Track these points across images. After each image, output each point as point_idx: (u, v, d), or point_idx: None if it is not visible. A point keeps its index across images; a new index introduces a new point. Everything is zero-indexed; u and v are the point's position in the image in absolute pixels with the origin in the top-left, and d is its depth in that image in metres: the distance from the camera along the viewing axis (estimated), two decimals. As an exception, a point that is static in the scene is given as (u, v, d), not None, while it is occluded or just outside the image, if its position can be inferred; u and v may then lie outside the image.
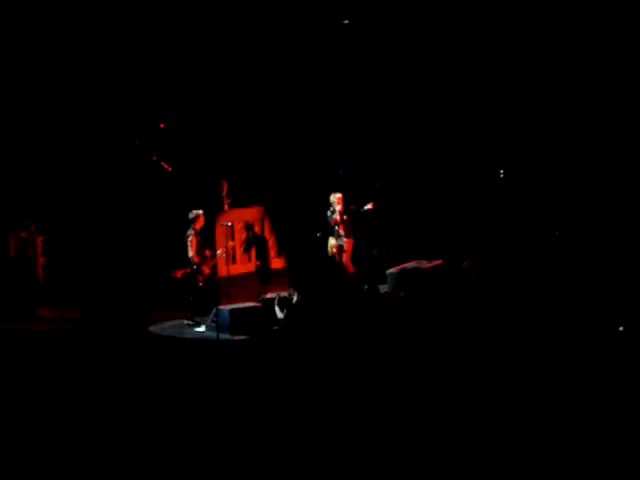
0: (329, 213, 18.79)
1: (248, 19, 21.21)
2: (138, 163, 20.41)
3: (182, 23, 21.17)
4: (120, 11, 20.87)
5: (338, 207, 18.70)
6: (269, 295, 17.17)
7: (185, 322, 17.06)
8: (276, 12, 21.00)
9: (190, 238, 17.13)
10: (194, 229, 17.19)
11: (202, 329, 16.84)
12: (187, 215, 17.27)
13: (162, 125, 20.69)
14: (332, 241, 18.92)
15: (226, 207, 21.39)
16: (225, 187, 21.49)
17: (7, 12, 20.18)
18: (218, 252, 17.87)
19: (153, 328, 16.82)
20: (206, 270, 17.27)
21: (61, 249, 20.61)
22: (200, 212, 17.31)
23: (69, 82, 20.91)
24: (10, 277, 20.26)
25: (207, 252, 17.47)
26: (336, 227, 18.78)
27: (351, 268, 18.97)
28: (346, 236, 18.77)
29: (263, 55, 21.52)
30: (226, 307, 16.65)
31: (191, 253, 17.11)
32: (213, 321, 16.52)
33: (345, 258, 18.86)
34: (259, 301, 17.03)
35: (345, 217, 18.72)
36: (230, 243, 17.06)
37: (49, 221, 20.80)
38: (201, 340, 16.22)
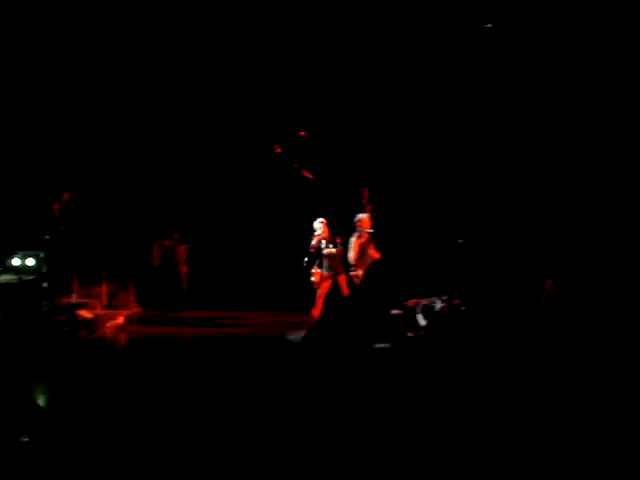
0: (313, 240, 17.41)
1: (393, 26, 21.08)
2: (279, 171, 20.51)
3: (323, 31, 21.18)
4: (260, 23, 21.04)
5: (319, 232, 17.38)
6: (411, 302, 16.96)
7: None
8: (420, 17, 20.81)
9: (353, 240, 17.24)
10: (359, 232, 17.32)
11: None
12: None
13: (303, 133, 20.73)
14: (317, 270, 17.44)
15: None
16: (366, 194, 21.36)
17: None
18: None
19: (291, 336, 16.87)
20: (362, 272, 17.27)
21: (204, 257, 20.90)
22: (363, 216, 17.45)
23: (213, 93, 21.15)
24: (155, 285, 20.63)
25: (375, 254, 17.38)
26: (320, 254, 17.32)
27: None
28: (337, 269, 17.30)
29: (406, 67, 21.34)
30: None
31: (351, 254, 17.23)
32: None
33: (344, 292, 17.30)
34: (401, 308, 16.85)
35: (335, 251, 17.22)
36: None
37: (192, 229, 21.09)
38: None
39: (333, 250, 17.35)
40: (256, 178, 21.23)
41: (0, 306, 17.90)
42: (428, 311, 16.37)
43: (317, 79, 21.41)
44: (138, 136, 21.36)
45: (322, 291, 17.20)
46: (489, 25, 20.22)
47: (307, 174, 20.12)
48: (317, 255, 17.30)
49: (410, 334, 16.09)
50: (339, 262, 17.27)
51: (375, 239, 17.40)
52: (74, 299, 19.83)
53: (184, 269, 21.01)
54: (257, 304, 19.52)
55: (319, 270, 17.28)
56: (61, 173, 20.55)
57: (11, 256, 18.98)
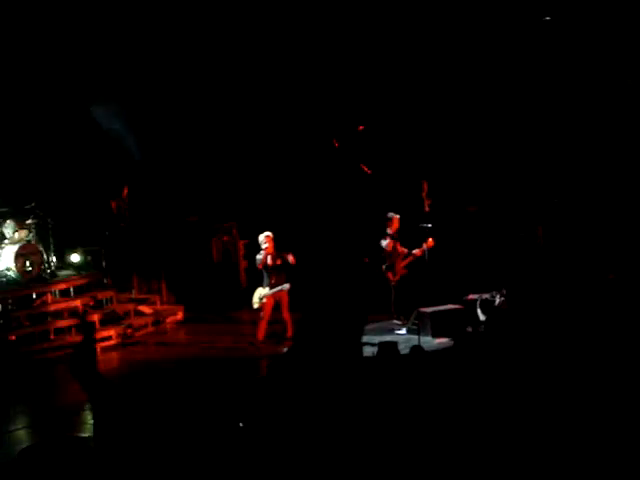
0: (257, 256, 16.56)
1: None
2: (338, 166, 20.44)
3: (378, 24, 21.06)
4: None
5: (265, 246, 16.47)
6: (471, 297, 16.83)
7: (394, 321, 17.08)
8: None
9: (386, 242, 17.22)
10: (389, 230, 17.27)
11: (403, 331, 16.68)
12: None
13: (361, 127, 20.64)
14: (262, 291, 16.46)
15: (427, 208, 21.11)
16: (425, 188, 21.22)
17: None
18: (414, 251, 17.52)
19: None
20: (399, 269, 17.14)
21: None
22: (393, 214, 17.36)
23: (273, 88, 21.14)
24: (214, 280, 20.68)
25: (402, 250, 17.28)
26: (266, 271, 16.43)
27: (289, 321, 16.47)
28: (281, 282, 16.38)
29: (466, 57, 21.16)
30: (427, 309, 16.44)
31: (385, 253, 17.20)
32: (415, 323, 16.35)
33: (284, 311, 16.43)
34: (461, 303, 16.74)
35: (279, 261, 16.36)
36: (426, 245, 16.84)
37: (250, 225, 21.09)
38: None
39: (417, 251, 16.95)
40: (314, 173, 21.18)
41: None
42: (488, 306, 16.26)
43: (375, 72, 21.30)
44: (198, 131, 21.41)
45: (267, 312, 16.35)
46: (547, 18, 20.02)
47: (365, 168, 20.02)
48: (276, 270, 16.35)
49: (470, 329, 15.99)
50: (283, 278, 16.36)
51: (400, 237, 17.26)
52: (134, 295, 19.98)
53: (243, 265, 21.02)
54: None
55: (264, 290, 16.38)
56: (119, 169, 20.68)
57: (70, 253, 19.13)
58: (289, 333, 16.36)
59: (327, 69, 21.22)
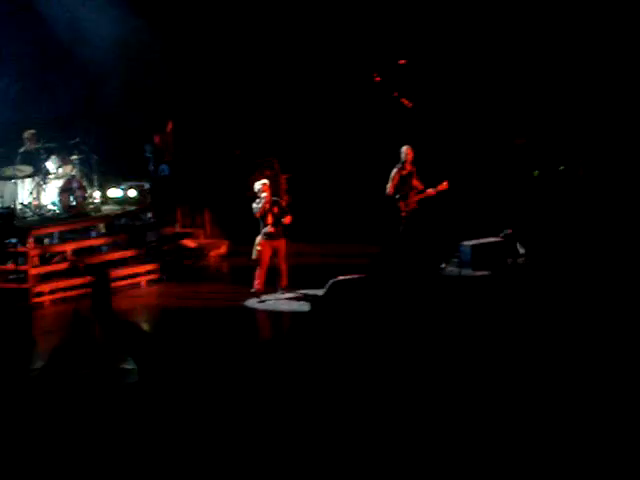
0: (254, 204, 16.23)
1: None
2: (379, 100, 20.41)
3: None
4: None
5: (264, 194, 16.12)
6: (511, 230, 16.88)
7: None
8: None
9: (394, 171, 17.12)
10: (402, 162, 17.16)
11: (443, 265, 16.79)
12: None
13: (402, 61, 20.56)
14: (259, 239, 16.19)
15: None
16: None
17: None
18: (428, 190, 17.39)
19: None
20: (412, 201, 17.11)
21: (305, 187, 20.99)
22: (406, 148, 17.20)
23: (314, 23, 21.14)
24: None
25: (418, 184, 17.19)
26: (263, 220, 16.12)
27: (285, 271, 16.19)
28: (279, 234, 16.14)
29: None
30: (468, 242, 16.52)
31: (388, 185, 17.07)
32: (455, 256, 16.45)
33: (281, 260, 16.16)
34: (501, 236, 16.79)
35: (275, 208, 16.10)
36: (430, 190, 16.90)
37: (293, 159, 21.19)
38: (445, 276, 16.20)
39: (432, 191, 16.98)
40: (356, 107, 21.18)
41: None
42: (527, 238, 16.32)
43: (416, 6, 21.20)
44: (240, 64, 21.45)
45: (265, 261, 16.08)
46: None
47: (406, 102, 19.97)
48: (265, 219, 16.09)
49: (509, 261, 16.07)
50: (280, 226, 16.12)
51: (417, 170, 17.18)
52: (178, 229, 20.19)
53: (285, 199, 21.14)
54: (356, 235, 19.34)
55: (262, 239, 16.10)
56: (164, 103, 20.80)
57: (114, 187, 19.35)
58: (283, 283, 16.10)
59: (368, 3, 21.17)
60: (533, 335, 11.68)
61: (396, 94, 20.00)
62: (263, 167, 21.04)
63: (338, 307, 13.27)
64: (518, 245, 16.35)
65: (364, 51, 20.96)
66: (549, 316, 12.44)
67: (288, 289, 16.19)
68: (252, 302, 16.11)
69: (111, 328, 11.59)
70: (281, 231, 16.09)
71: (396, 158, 17.37)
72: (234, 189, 21.03)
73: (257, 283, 16.09)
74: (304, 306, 15.38)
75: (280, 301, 16.03)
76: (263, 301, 16.09)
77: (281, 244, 16.11)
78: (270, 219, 16.01)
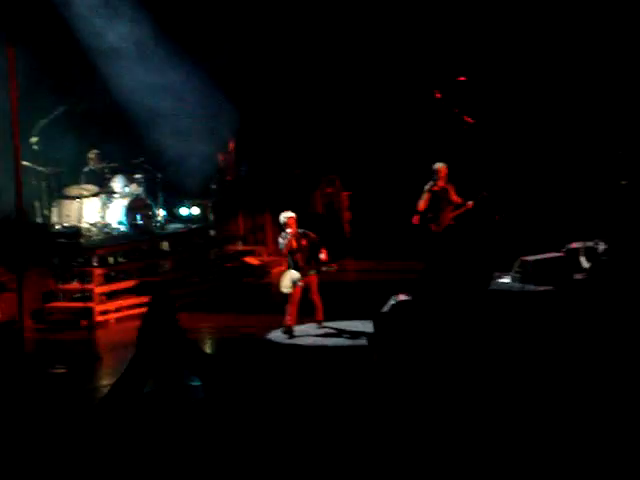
0: (280, 239, 15.36)
1: None
2: (439, 117, 20.43)
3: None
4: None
5: (289, 230, 15.12)
6: (574, 245, 16.76)
7: None
8: None
9: (426, 188, 16.95)
10: (434, 180, 16.96)
11: (507, 280, 16.70)
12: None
13: (462, 78, 20.57)
14: (294, 274, 15.11)
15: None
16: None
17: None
18: (468, 203, 17.24)
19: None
20: (447, 219, 17.02)
21: (366, 204, 21.08)
22: (440, 165, 17.02)
23: (375, 40, 21.23)
24: (318, 232, 20.90)
25: (457, 199, 17.12)
26: (292, 256, 15.15)
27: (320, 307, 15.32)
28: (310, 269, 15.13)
29: None
30: (530, 257, 16.44)
31: (419, 203, 16.86)
32: (517, 271, 16.36)
33: (314, 295, 15.20)
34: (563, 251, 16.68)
35: (304, 241, 15.13)
36: (470, 203, 16.84)
37: (355, 177, 21.29)
38: (506, 291, 16.10)
39: None
40: (417, 124, 21.23)
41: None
42: (591, 253, 16.17)
43: (478, 24, 21.21)
44: (302, 83, 21.60)
45: (296, 297, 15.09)
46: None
47: (468, 119, 19.96)
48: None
49: (573, 277, 15.94)
50: (312, 260, 15.21)
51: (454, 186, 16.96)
52: (240, 246, 20.36)
53: (346, 216, 21.25)
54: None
55: (297, 274, 15.06)
56: (229, 122, 20.96)
57: (179, 206, 19.59)
58: (318, 316, 15.35)
59: (430, 19, 21.22)
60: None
61: (457, 110, 19.99)
62: (325, 184, 21.20)
63: (402, 328, 13.28)
64: (583, 260, 16.21)
65: (425, 68, 21.01)
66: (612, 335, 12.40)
67: (324, 324, 15.42)
68: (278, 335, 15.26)
69: (178, 347, 11.68)
70: (314, 265, 15.31)
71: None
72: (295, 207, 21.13)
73: (288, 319, 15.13)
74: (345, 340, 15.00)
75: (313, 337, 15.20)
76: (293, 336, 15.14)
77: (313, 280, 15.20)
78: (299, 255, 15.17)
